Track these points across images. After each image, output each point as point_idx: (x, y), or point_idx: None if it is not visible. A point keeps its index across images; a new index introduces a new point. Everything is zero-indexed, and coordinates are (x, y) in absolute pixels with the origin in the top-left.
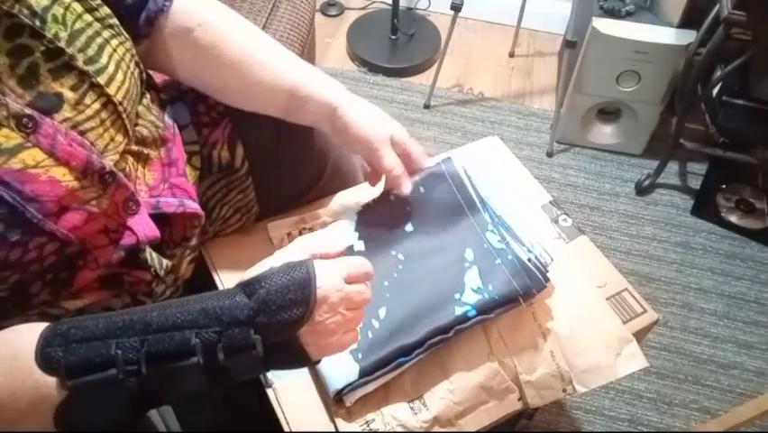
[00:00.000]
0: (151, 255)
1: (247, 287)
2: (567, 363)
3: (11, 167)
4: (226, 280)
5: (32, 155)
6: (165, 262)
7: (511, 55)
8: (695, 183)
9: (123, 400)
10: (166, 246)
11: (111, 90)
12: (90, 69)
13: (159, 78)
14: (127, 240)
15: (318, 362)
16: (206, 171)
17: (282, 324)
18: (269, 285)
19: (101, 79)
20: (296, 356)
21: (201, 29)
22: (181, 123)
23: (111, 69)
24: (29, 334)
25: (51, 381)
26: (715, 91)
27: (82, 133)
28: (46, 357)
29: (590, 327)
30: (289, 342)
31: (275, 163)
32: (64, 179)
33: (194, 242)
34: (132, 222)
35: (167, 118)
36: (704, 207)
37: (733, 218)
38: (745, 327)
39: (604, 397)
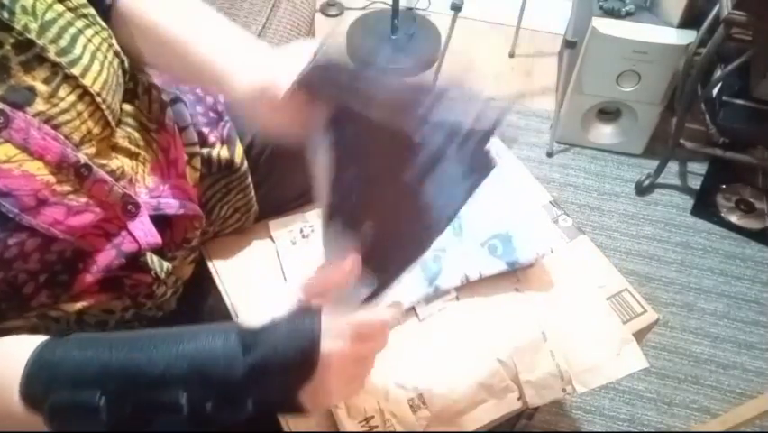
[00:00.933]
0: (152, 258)
1: (245, 338)
2: (567, 363)
3: None
4: (226, 280)
5: (4, 151)
6: (165, 264)
7: (511, 55)
8: (695, 183)
9: None
10: (167, 249)
11: (87, 81)
12: (63, 60)
13: (159, 78)
14: (128, 246)
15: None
16: (206, 172)
17: (279, 387)
18: (269, 344)
19: (75, 71)
20: (290, 411)
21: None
22: (181, 124)
23: (86, 59)
24: (18, 352)
25: (35, 418)
26: (715, 91)
27: (56, 127)
28: (29, 391)
29: (590, 327)
30: (285, 400)
31: (274, 162)
32: (39, 173)
33: (194, 243)
34: (132, 226)
35: (167, 119)
36: (704, 207)
37: (733, 218)
38: (745, 327)
39: (604, 397)
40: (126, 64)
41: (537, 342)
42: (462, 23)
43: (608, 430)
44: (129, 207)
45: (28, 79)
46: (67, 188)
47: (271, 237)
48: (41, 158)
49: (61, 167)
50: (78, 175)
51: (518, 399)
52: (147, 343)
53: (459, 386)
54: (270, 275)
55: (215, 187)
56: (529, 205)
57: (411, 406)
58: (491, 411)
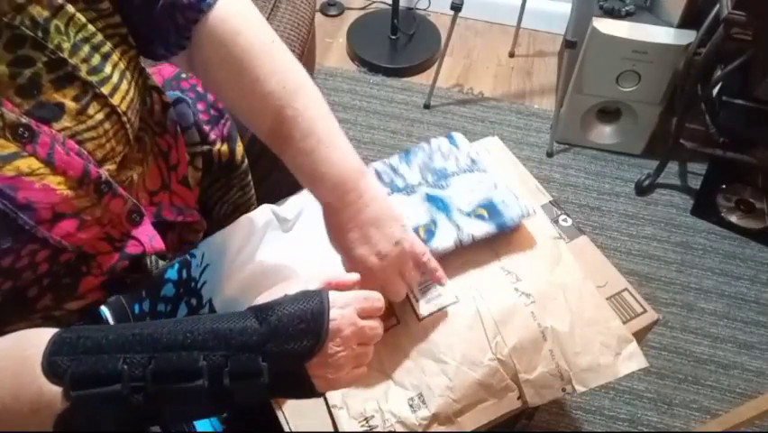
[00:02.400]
0: (152, 260)
1: (259, 312)
2: (566, 363)
3: (4, 174)
4: None
5: (28, 163)
6: (163, 265)
7: (511, 55)
8: (695, 183)
9: (125, 415)
10: (167, 251)
11: (115, 100)
12: (94, 79)
13: (159, 78)
14: (133, 249)
15: (323, 394)
16: (207, 169)
17: (291, 353)
18: (281, 312)
19: (105, 89)
20: (301, 387)
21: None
22: (184, 124)
23: (115, 78)
24: (38, 338)
25: (55, 389)
26: (715, 91)
27: (80, 143)
28: (52, 365)
29: (590, 327)
30: (297, 372)
31: (274, 159)
32: (59, 188)
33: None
34: (137, 232)
35: (169, 121)
36: (704, 207)
37: (733, 218)
38: (745, 327)
39: (604, 397)
40: (148, 81)
41: (537, 341)
42: (462, 22)
43: (608, 430)
44: (133, 216)
45: (58, 96)
46: (85, 203)
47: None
48: (63, 173)
49: (82, 182)
50: (98, 191)
51: (518, 398)
52: (166, 322)
53: (458, 385)
54: None
55: (216, 185)
56: (504, 177)
57: (411, 406)
58: (491, 411)
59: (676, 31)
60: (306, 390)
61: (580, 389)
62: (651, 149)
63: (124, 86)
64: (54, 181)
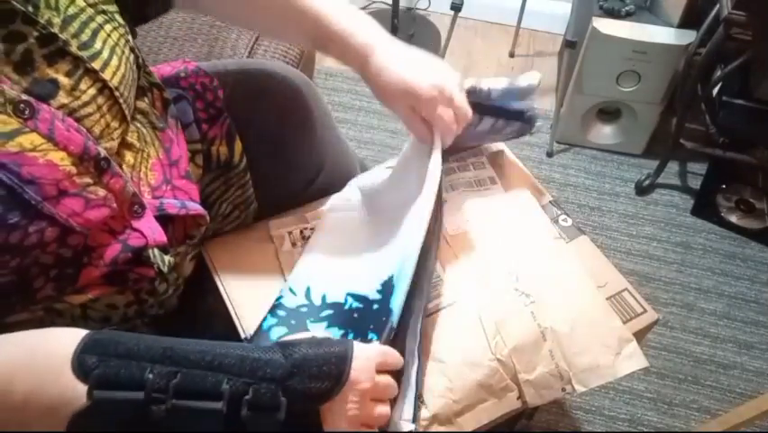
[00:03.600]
0: (154, 253)
1: (285, 348)
2: (566, 363)
3: (8, 150)
4: (226, 280)
5: (30, 139)
6: (168, 258)
7: (511, 55)
8: (695, 183)
9: (140, 424)
10: (169, 244)
11: (106, 75)
12: (84, 54)
13: (160, 75)
14: (135, 241)
15: None
16: (206, 168)
17: (311, 393)
18: (306, 351)
19: (95, 65)
20: (307, 424)
21: None
22: (185, 121)
23: (105, 54)
24: (70, 337)
25: (80, 388)
26: (715, 91)
27: (78, 120)
28: (81, 361)
29: (590, 327)
30: (310, 413)
31: (273, 158)
32: (62, 164)
33: (197, 240)
34: (139, 225)
35: (170, 117)
36: (704, 207)
37: (733, 218)
38: (745, 327)
39: (604, 397)
40: (141, 60)
41: (537, 342)
42: (462, 22)
43: (608, 430)
44: (135, 208)
45: (51, 72)
46: (86, 180)
47: (271, 238)
48: (64, 148)
49: (83, 159)
50: (98, 168)
51: (518, 398)
52: (198, 341)
53: (458, 386)
54: (270, 274)
55: (215, 184)
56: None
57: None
58: (491, 411)
59: (676, 31)
60: (311, 428)
61: (580, 389)
62: (651, 149)
63: (115, 61)
64: (57, 157)
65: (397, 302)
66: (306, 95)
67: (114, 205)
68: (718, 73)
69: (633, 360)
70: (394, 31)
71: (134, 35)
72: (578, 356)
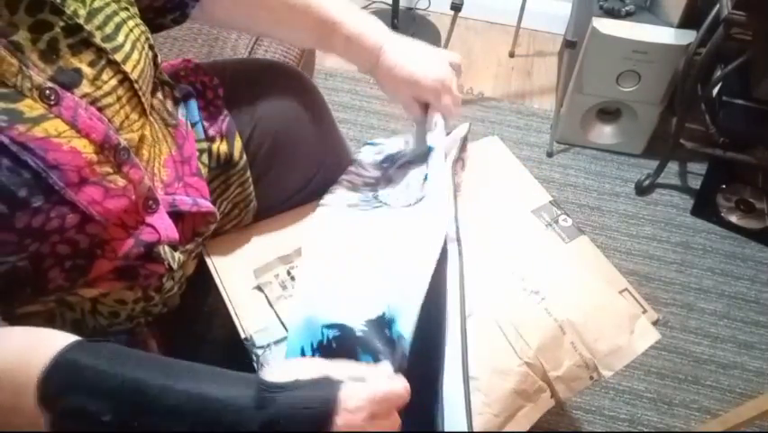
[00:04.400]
0: (165, 249)
1: (263, 393)
2: (589, 351)
3: (34, 134)
4: (226, 280)
5: (55, 125)
6: (177, 255)
7: (511, 55)
8: (695, 183)
9: None
10: (179, 241)
11: (127, 68)
12: (107, 46)
13: (169, 73)
14: (148, 236)
15: None
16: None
17: None
18: (284, 404)
19: (117, 57)
20: None
21: None
22: (192, 121)
23: (127, 47)
24: (43, 348)
25: (37, 415)
26: (715, 91)
27: (100, 110)
28: (44, 390)
29: (600, 311)
30: None
31: (273, 155)
32: (84, 151)
33: (204, 237)
34: (152, 220)
35: (180, 116)
36: (704, 207)
37: (733, 218)
38: (745, 327)
39: (604, 397)
40: (159, 59)
41: (557, 336)
42: (462, 22)
43: (608, 430)
44: (150, 203)
45: (75, 62)
46: (107, 169)
47: (259, 288)
48: (86, 136)
49: (104, 147)
50: (118, 158)
51: (551, 397)
52: (171, 371)
53: (495, 399)
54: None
55: (215, 182)
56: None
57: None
58: (530, 415)
59: (676, 31)
60: None
61: (606, 374)
62: (651, 149)
63: (135, 55)
64: (80, 144)
65: (405, 328)
66: (305, 93)
67: (133, 196)
68: (718, 73)
69: (647, 335)
70: (394, 31)
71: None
72: (598, 342)
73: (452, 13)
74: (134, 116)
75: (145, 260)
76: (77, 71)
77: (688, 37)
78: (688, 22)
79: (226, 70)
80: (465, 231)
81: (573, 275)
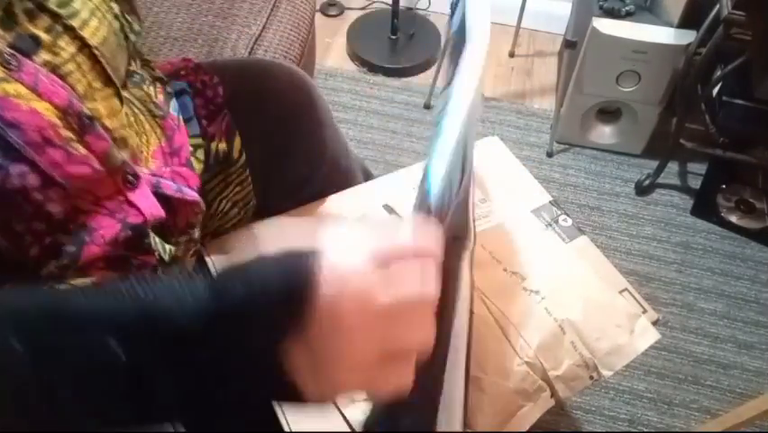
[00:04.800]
0: (155, 240)
1: (218, 282)
2: (589, 351)
3: None
4: None
5: (14, 87)
6: (168, 247)
7: (511, 55)
8: (695, 183)
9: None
10: (169, 233)
11: (85, 34)
12: (62, 11)
13: (162, 70)
14: (134, 219)
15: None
16: (206, 165)
17: (257, 345)
18: (247, 282)
19: (74, 23)
20: (279, 391)
21: None
22: (185, 116)
23: (84, 14)
24: None
25: None
26: (715, 91)
27: (62, 77)
28: None
29: (600, 311)
30: (266, 365)
31: (273, 154)
32: (46, 113)
33: (197, 233)
34: (134, 197)
35: (171, 110)
36: (704, 207)
37: (733, 218)
38: (745, 327)
39: (604, 397)
40: (128, 28)
41: (557, 336)
42: None
43: (608, 430)
44: (129, 178)
45: (31, 28)
46: (69, 134)
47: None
48: (48, 100)
49: (67, 112)
50: (81, 125)
51: (551, 396)
52: (96, 290)
53: (496, 399)
54: None
55: (214, 181)
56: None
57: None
58: (530, 415)
59: (676, 31)
60: (288, 396)
61: (606, 373)
62: (651, 149)
63: (94, 23)
64: (41, 107)
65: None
66: (306, 92)
67: (98, 166)
68: (718, 73)
69: (647, 334)
70: (394, 31)
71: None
72: (598, 342)
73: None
74: (97, 85)
75: (136, 251)
76: (35, 38)
77: (688, 37)
78: (688, 22)
79: (227, 70)
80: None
81: (573, 275)
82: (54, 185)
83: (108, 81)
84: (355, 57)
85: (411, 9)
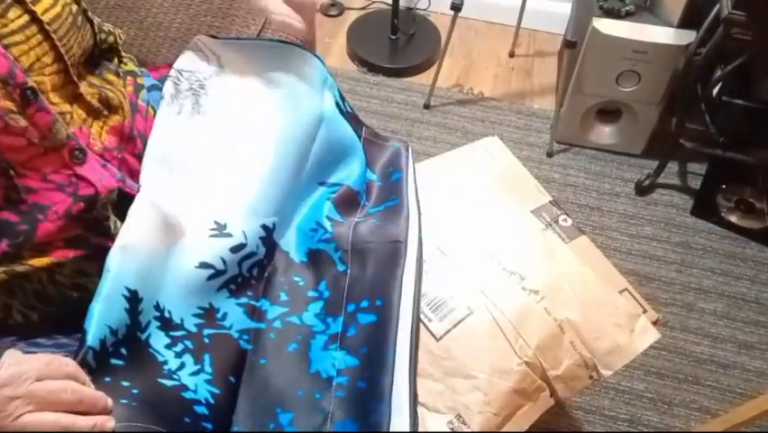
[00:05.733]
0: (116, 224)
1: None
2: (588, 350)
3: None
4: None
5: None
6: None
7: (511, 55)
8: (695, 183)
9: None
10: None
11: (37, 9)
12: None
13: (155, 69)
14: (85, 191)
15: None
16: None
17: None
18: None
19: None
20: None
21: None
22: (156, 109)
23: None
24: None
25: None
26: (715, 91)
27: (6, 47)
28: None
29: (600, 310)
30: None
31: None
32: None
33: None
34: (82, 171)
35: (140, 101)
36: (704, 207)
37: (733, 218)
38: (745, 327)
39: (604, 397)
40: (90, 14)
41: (556, 336)
42: (462, 22)
43: (608, 430)
44: (76, 153)
45: None
46: (9, 105)
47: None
48: None
49: (7, 83)
50: (23, 97)
51: (551, 396)
52: None
53: (495, 398)
54: None
55: None
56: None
57: (451, 429)
58: (529, 415)
59: (676, 31)
60: None
61: (606, 373)
62: (651, 149)
63: (48, 1)
64: None
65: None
66: None
67: (36, 140)
68: (718, 73)
69: (647, 334)
70: (394, 31)
71: None
72: (597, 341)
73: (452, 13)
74: (47, 60)
75: (95, 232)
76: None
77: (688, 37)
78: (688, 22)
79: None
80: (461, 231)
81: (573, 275)
82: None
83: (58, 58)
84: (355, 57)
85: (411, 9)
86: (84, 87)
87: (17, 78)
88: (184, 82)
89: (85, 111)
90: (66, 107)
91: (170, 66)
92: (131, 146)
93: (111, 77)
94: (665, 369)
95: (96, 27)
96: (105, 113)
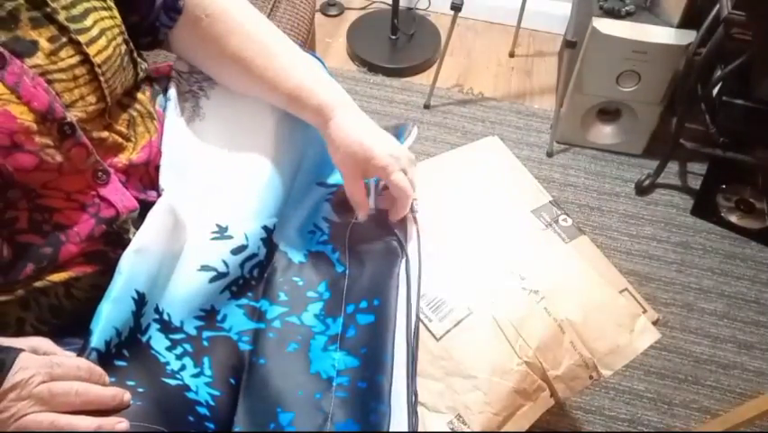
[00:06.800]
0: (134, 233)
1: None
2: (588, 350)
3: None
4: None
5: None
6: None
7: (511, 55)
8: (695, 183)
9: None
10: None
11: (91, 51)
12: (72, 26)
13: (151, 67)
14: (106, 212)
15: None
16: None
17: None
18: None
19: (81, 38)
20: None
21: (208, 20)
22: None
23: (94, 32)
24: None
25: None
26: (715, 91)
27: (50, 82)
28: None
29: (600, 310)
30: None
31: None
32: (21, 117)
33: None
34: (105, 192)
35: (157, 106)
36: (704, 207)
37: (733, 218)
38: (745, 327)
39: (604, 397)
40: (135, 54)
41: (557, 336)
42: (462, 22)
43: (608, 430)
44: (100, 174)
45: (33, 34)
46: (46, 141)
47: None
48: (27, 103)
49: (46, 118)
50: (61, 132)
51: (551, 396)
52: None
53: (495, 398)
54: None
55: None
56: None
57: (452, 429)
58: (529, 415)
59: (676, 31)
60: None
61: (606, 373)
62: (651, 149)
63: (103, 42)
64: (17, 110)
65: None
66: None
67: (68, 176)
68: (718, 73)
69: (647, 334)
70: (394, 31)
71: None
72: (598, 341)
73: (452, 13)
74: (91, 99)
75: (115, 246)
76: (34, 43)
77: (688, 37)
78: (688, 22)
79: None
80: (461, 231)
81: (573, 275)
82: (14, 186)
83: (101, 98)
84: (355, 57)
85: (411, 9)
86: (115, 113)
87: (56, 113)
88: (184, 84)
89: (117, 137)
90: (99, 134)
91: (170, 66)
92: (158, 157)
93: (139, 95)
94: (665, 369)
95: (138, 68)
96: (134, 139)
